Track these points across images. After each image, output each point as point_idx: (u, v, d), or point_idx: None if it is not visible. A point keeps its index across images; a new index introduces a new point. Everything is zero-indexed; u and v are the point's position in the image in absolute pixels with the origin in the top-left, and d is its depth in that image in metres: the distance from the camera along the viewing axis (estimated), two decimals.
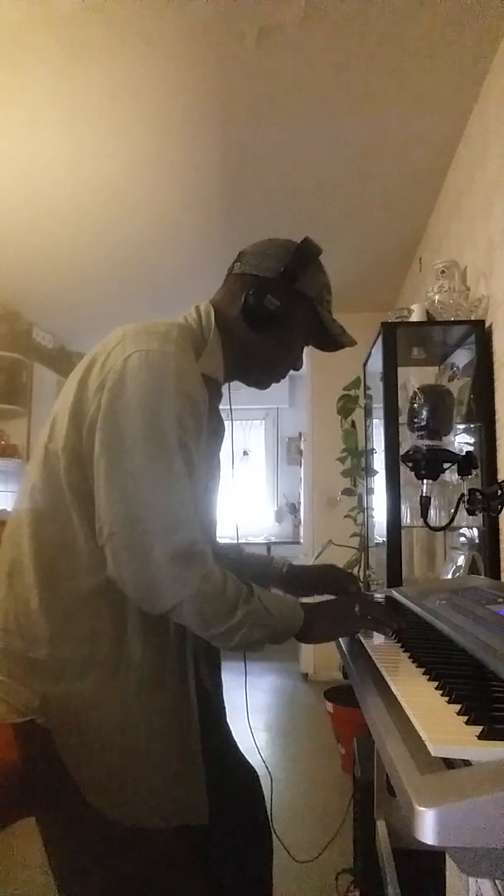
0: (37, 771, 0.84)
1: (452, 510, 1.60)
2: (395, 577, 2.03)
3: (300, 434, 5.53)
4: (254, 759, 1.15)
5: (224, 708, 1.10)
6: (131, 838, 0.84)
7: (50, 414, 0.97)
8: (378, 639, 0.98)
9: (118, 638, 0.88)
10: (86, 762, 0.84)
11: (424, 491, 1.59)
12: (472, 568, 2.00)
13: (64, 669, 0.86)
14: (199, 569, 0.83)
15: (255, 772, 1.13)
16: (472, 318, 2.11)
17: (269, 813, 1.11)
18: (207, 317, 1.02)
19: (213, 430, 1.01)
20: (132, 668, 0.88)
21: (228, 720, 1.12)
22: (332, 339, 1.08)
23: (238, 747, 1.12)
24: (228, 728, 1.11)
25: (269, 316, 1.00)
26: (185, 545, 0.83)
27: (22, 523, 0.92)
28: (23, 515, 0.92)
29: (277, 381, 1.12)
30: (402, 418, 2.03)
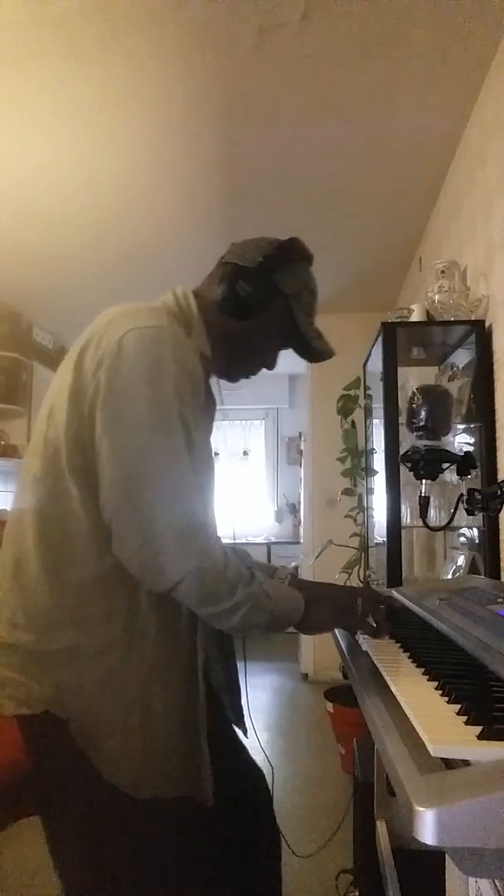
0: (52, 761, 0.84)
1: (452, 510, 1.60)
2: (395, 577, 2.04)
3: (300, 434, 5.53)
4: (257, 757, 1.15)
5: (239, 696, 1.10)
6: (149, 813, 0.85)
7: (44, 404, 0.96)
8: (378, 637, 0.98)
9: (131, 619, 0.88)
10: (103, 744, 0.85)
11: (424, 491, 1.59)
12: (472, 568, 2.00)
13: (78, 656, 0.86)
14: (202, 542, 0.84)
15: (261, 770, 1.13)
16: (472, 318, 2.11)
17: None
18: (185, 298, 1.03)
19: (205, 406, 1.01)
20: (147, 649, 0.89)
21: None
22: (306, 344, 1.07)
23: (244, 746, 1.13)
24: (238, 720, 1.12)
25: (240, 302, 1.00)
26: (187, 519, 0.84)
27: (23, 517, 0.92)
28: (24, 508, 0.92)
29: (247, 376, 1.11)
30: (402, 418, 2.03)
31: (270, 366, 1.12)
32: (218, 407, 1.10)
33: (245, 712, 1.12)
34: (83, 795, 0.85)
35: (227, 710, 1.07)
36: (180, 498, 0.84)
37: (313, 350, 1.08)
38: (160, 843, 0.86)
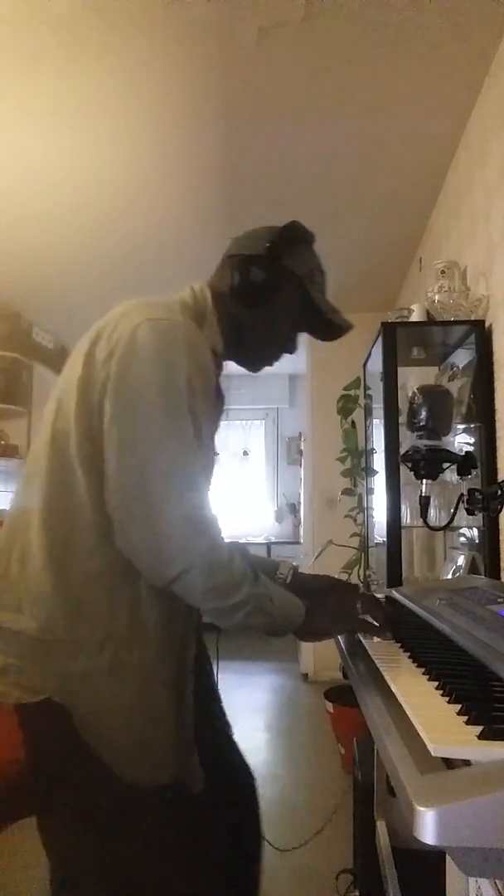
0: (52, 750, 0.85)
1: (452, 510, 1.60)
2: (395, 577, 2.03)
3: (300, 434, 5.53)
4: (258, 757, 1.16)
5: (215, 688, 1.13)
6: (146, 800, 0.86)
7: (52, 396, 0.96)
8: (378, 638, 0.98)
9: (134, 612, 0.89)
10: (105, 733, 0.85)
11: (424, 491, 1.60)
12: (472, 568, 2.00)
13: (81, 647, 0.86)
14: (208, 537, 0.84)
15: (248, 766, 1.15)
16: (472, 318, 2.11)
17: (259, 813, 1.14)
18: (202, 293, 1.04)
19: (214, 404, 1.02)
20: (148, 641, 0.89)
21: (229, 719, 1.13)
22: (324, 320, 1.08)
23: (230, 735, 1.14)
24: (220, 710, 1.14)
25: (255, 289, 1.02)
26: (196, 510, 0.84)
27: (30, 505, 0.92)
28: (31, 497, 0.92)
29: (270, 363, 1.12)
30: (402, 418, 2.03)
31: (292, 349, 1.13)
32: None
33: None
34: (82, 784, 0.85)
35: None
36: (189, 490, 0.84)
37: (333, 325, 1.09)
38: (155, 831, 0.87)
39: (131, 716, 0.87)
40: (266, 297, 1.03)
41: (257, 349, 1.10)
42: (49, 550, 0.88)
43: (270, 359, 1.12)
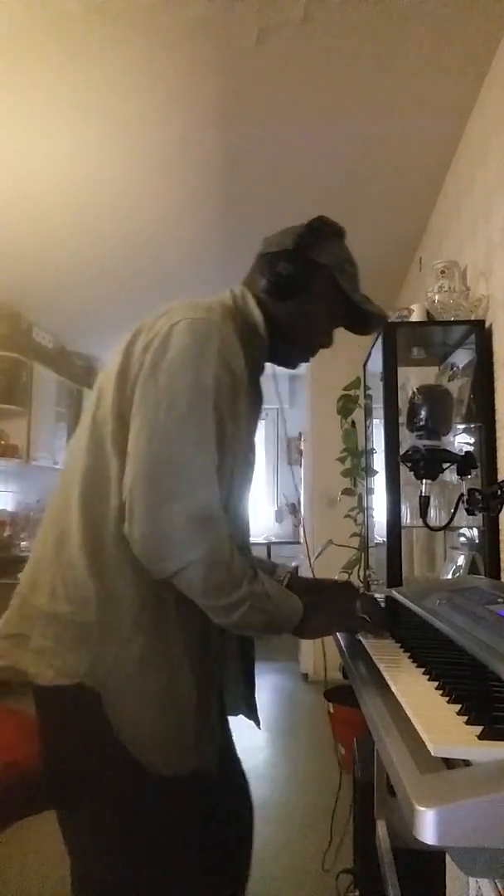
0: (82, 735, 0.86)
1: (452, 510, 1.60)
2: (395, 577, 2.03)
3: (300, 434, 5.53)
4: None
5: (252, 689, 1.14)
6: (169, 789, 0.87)
7: (94, 387, 0.99)
8: (374, 637, 0.98)
9: (164, 599, 0.89)
10: (134, 720, 0.86)
11: (424, 491, 1.59)
12: (472, 568, 2.00)
13: (112, 632, 0.87)
14: (212, 535, 0.84)
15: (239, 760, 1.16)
16: (472, 318, 2.11)
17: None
18: (242, 294, 1.05)
19: (251, 402, 1.03)
20: (177, 629, 0.90)
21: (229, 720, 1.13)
22: (358, 311, 1.09)
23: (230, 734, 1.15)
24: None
25: (286, 283, 1.03)
26: (202, 508, 0.84)
27: (70, 489, 0.93)
28: (70, 482, 0.94)
29: (307, 358, 1.13)
30: (402, 418, 2.03)
31: (327, 343, 1.13)
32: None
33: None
34: (107, 770, 0.86)
35: (241, 703, 1.11)
36: (199, 487, 0.85)
37: (367, 315, 1.09)
38: (178, 818, 0.88)
39: (160, 702, 0.88)
40: (297, 290, 1.04)
41: (294, 344, 1.10)
42: (84, 535, 0.89)
43: (307, 353, 1.13)
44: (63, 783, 0.90)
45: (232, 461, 0.94)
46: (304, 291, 1.04)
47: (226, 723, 1.12)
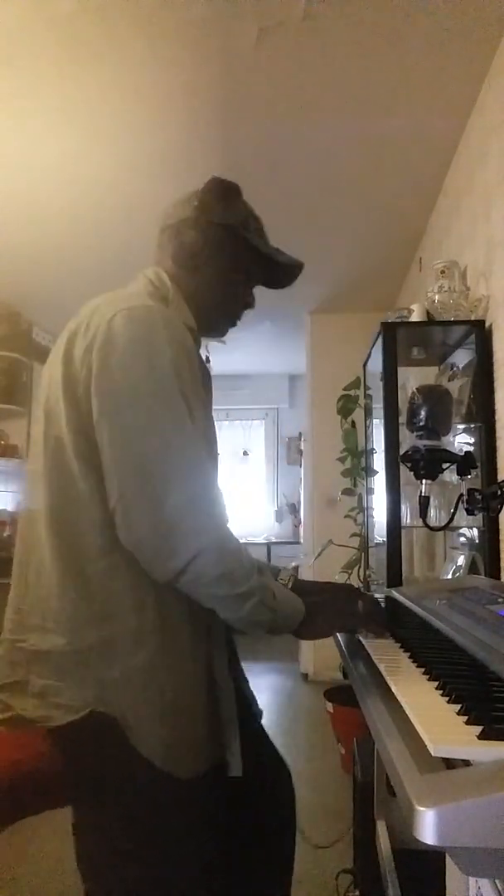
0: (102, 761, 0.83)
1: (452, 510, 1.60)
2: (395, 577, 2.03)
3: (300, 434, 5.52)
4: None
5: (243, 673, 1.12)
6: (193, 793, 0.85)
7: (38, 404, 0.94)
8: (377, 638, 0.98)
9: (162, 603, 0.86)
10: (154, 732, 0.83)
11: (424, 491, 1.59)
12: (472, 568, 2.00)
13: (116, 649, 0.84)
14: (217, 518, 0.82)
15: (281, 757, 1.17)
16: (472, 318, 2.11)
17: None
18: (157, 275, 1.02)
19: (202, 380, 1.00)
20: (179, 630, 0.88)
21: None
22: (271, 264, 1.07)
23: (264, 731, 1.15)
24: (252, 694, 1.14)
25: (192, 250, 1.02)
26: (199, 495, 0.81)
27: (35, 519, 0.90)
28: (34, 511, 0.90)
29: (233, 323, 1.11)
30: (402, 418, 2.03)
31: (251, 303, 1.11)
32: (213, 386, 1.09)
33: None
34: (137, 787, 0.83)
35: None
36: (190, 474, 0.82)
37: (281, 266, 1.08)
38: (204, 822, 0.87)
39: (175, 707, 0.85)
40: (207, 256, 1.02)
41: (217, 311, 1.08)
42: (61, 560, 0.86)
43: (232, 318, 1.10)
44: (100, 811, 0.87)
45: (202, 443, 0.91)
46: (215, 256, 1.02)
47: (254, 718, 1.10)
